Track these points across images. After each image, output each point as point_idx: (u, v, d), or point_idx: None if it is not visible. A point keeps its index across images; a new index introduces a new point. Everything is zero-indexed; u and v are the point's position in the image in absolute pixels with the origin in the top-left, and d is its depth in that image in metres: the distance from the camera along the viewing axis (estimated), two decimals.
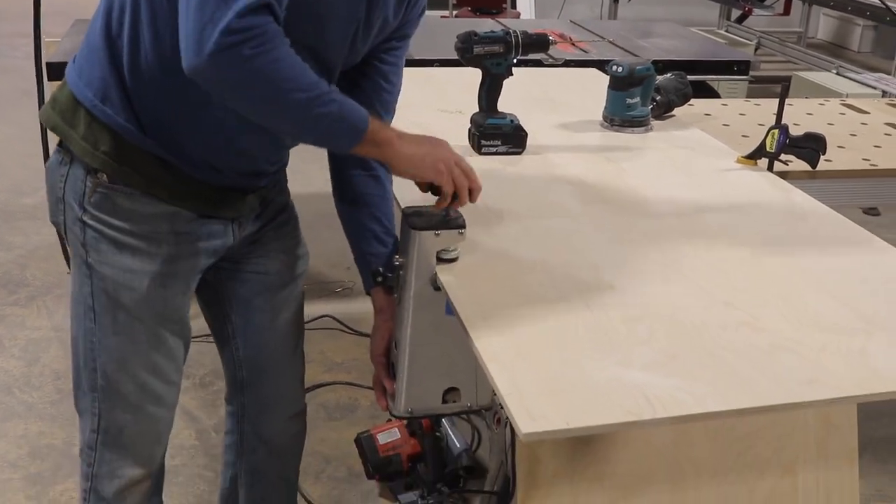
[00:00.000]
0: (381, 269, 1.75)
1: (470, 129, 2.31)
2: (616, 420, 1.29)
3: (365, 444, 2.51)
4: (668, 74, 2.73)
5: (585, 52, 3.91)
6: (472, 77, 2.25)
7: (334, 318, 3.44)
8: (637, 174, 2.24)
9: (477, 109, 2.29)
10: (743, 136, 2.67)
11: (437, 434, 2.48)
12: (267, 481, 2.04)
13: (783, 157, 2.28)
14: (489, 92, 2.25)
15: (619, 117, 2.52)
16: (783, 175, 2.29)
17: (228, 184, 1.67)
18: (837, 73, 5.09)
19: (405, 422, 2.52)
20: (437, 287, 1.62)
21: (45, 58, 3.41)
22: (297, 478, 2.11)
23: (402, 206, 1.72)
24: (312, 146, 1.57)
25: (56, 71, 3.23)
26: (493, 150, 2.25)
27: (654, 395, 1.32)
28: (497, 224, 1.90)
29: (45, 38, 3.53)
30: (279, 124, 1.51)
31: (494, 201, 1.99)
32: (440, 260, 1.64)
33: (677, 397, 1.32)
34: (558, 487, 1.71)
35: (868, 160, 2.60)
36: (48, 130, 1.67)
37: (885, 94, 4.39)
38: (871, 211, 4.36)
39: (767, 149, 2.27)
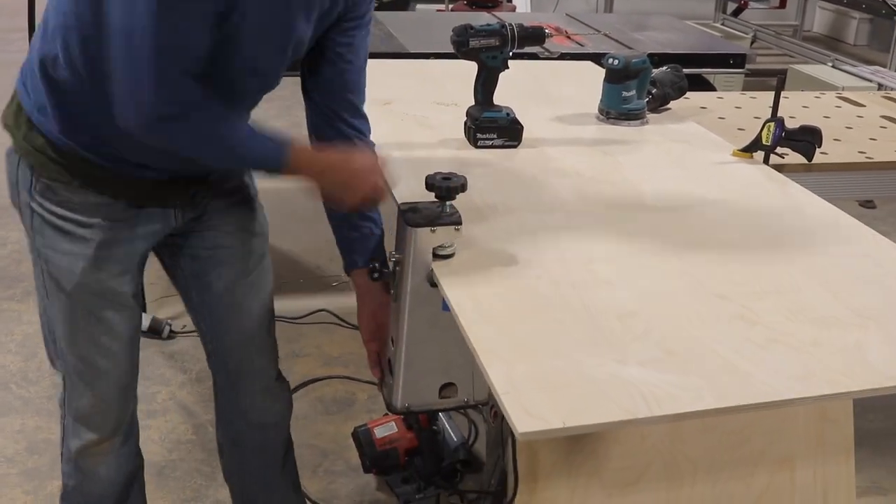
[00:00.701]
0: (376, 264, 1.78)
1: (466, 122, 2.31)
2: (613, 419, 1.28)
3: (362, 437, 2.52)
4: (664, 67, 2.73)
5: (581, 45, 3.91)
6: (467, 70, 2.25)
7: (331, 313, 3.44)
8: (633, 167, 2.24)
9: (473, 103, 2.29)
10: (739, 129, 2.67)
11: (434, 428, 2.48)
12: (245, 451, 2.10)
13: (779, 149, 2.28)
14: (485, 85, 2.25)
15: (615, 110, 2.51)
16: (779, 168, 2.29)
17: (167, 177, 1.74)
18: (833, 66, 5.09)
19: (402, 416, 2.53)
20: (433, 283, 1.62)
21: None
22: (284, 450, 2.14)
23: (399, 203, 1.72)
24: None
25: None
26: (489, 143, 2.26)
27: (650, 393, 1.32)
28: (492, 218, 1.89)
29: None
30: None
31: (489, 195, 1.99)
32: (436, 256, 1.64)
33: (673, 394, 1.32)
34: (555, 482, 1.71)
35: (864, 153, 2.60)
36: None
37: (880, 86, 4.39)
38: (867, 204, 4.37)
39: (763, 142, 2.26)
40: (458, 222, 1.64)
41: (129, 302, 1.80)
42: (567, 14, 4.67)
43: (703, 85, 3.84)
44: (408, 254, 1.64)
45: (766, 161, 2.29)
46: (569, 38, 4.03)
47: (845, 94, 3.36)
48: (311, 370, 3.11)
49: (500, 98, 2.28)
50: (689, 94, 2.79)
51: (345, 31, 1.80)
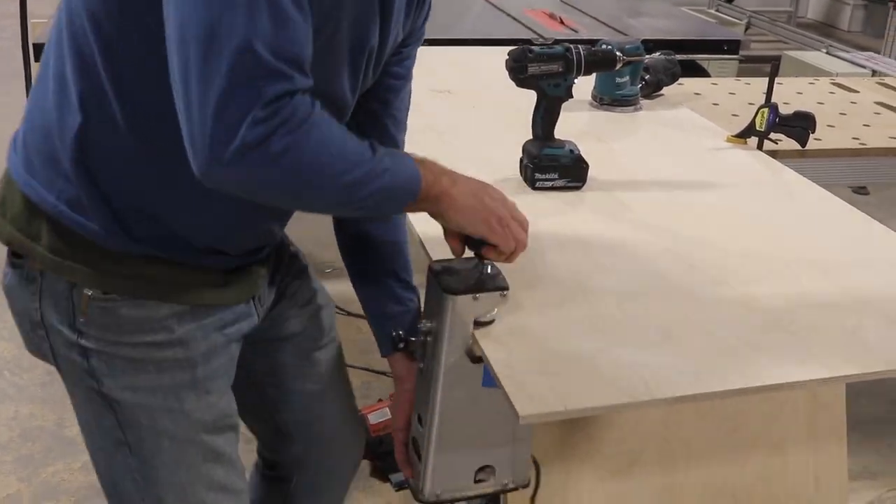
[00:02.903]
0: (401, 332, 1.49)
1: (522, 160, 2.03)
2: (613, 402, 1.28)
3: None
4: (658, 53, 2.72)
5: (575, 31, 3.90)
6: (457, 55, 2.23)
7: None
8: (626, 153, 2.24)
9: (473, 101, 2.18)
10: (733, 115, 2.66)
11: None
12: None
13: (773, 135, 2.28)
14: (545, 117, 1.97)
15: (609, 96, 2.51)
16: (773, 154, 2.29)
17: (236, 264, 1.39)
18: (827, 53, 5.09)
19: None
20: (475, 359, 1.38)
21: (32, 39, 3.39)
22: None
23: (430, 261, 1.45)
24: None
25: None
26: (549, 184, 1.96)
27: (650, 376, 1.32)
28: None
29: (31, 20, 3.50)
30: (321, 209, 1.29)
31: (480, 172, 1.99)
32: (477, 324, 1.38)
33: (673, 378, 1.32)
34: (550, 466, 1.71)
35: (857, 139, 2.60)
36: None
37: (874, 72, 4.39)
38: (861, 190, 4.38)
39: (757, 127, 2.26)
40: (505, 287, 1.38)
41: (238, 421, 1.46)
42: (561, 0, 4.66)
43: (697, 71, 3.84)
44: (443, 325, 1.37)
45: (759, 147, 2.29)
46: (562, 23, 4.02)
47: (839, 80, 3.36)
48: None
49: (487, 82, 2.18)
50: (682, 80, 2.79)
51: (401, 61, 1.50)
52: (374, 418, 2.51)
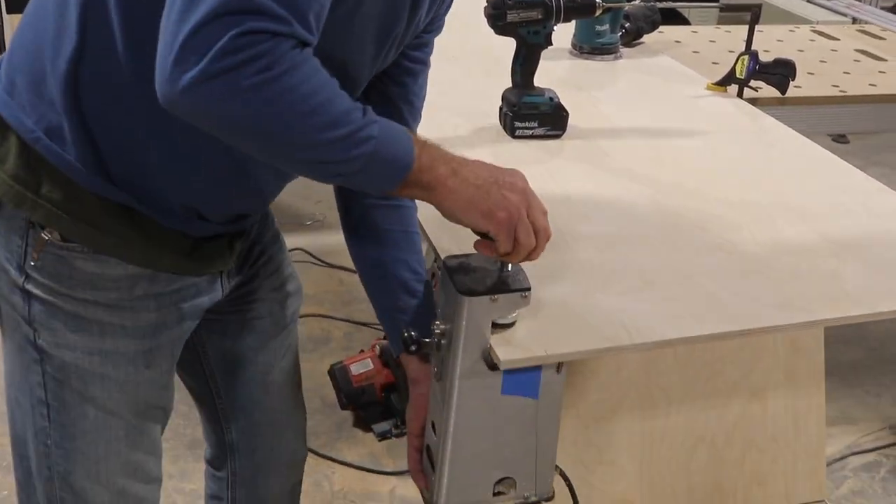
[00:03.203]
0: (412, 333, 1.31)
1: (501, 109, 2.02)
2: (594, 347, 1.29)
3: (338, 375, 2.53)
4: (638, 1, 2.70)
5: None
6: None
7: (306, 252, 3.43)
8: (607, 102, 2.23)
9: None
10: (713, 62, 2.66)
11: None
12: None
13: (753, 83, 2.28)
14: (525, 65, 1.95)
15: (589, 45, 2.50)
16: (753, 101, 2.29)
17: (213, 232, 1.28)
18: (808, 0, 5.06)
19: (378, 352, 2.54)
20: (492, 365, 1.25)
21: None
22: None
23: (443, 257, 1.32)
24: None
25: (16, 3, 3.16)
26: (529, 132, 1.95)
27: (630, 322, 1.32)
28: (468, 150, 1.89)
29: None
30: (290, 165, 1.13)
31: (461, 117, 1.98)
32: (496, 326, 1.25)
33: (653, 323, 1.33)
34: None
35: (837, 86, 2.60)
36: None
37: (855, 20, 4.37)
38: (840, 139, 4.39)
39: (737, 75, 2.26)
40: (527, 287, 1.24)
41: (171, 403, 1.38)
42: None
43: (678, 19, 3.83)
44: (458, 327, 1.23)
45: (740, 94, 2.29)
46: None
47: (819, 27, 3.36)
48: None
49: (465, 30, 2.15)
50: (662, 28, 2.77)
51: (420, 47, 1.41)
52: (355, 369, 2.52)
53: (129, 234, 1.18)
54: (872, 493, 2.32)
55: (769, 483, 2.21)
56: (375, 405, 2.52)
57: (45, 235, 1.16)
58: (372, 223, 1.45)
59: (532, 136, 1.96)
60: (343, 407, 2.54)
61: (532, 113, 1.95)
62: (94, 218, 1.16)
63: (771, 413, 2.17)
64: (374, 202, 1.43)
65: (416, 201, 1.41)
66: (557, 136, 1.98)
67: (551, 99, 1.98)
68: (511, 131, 1.97)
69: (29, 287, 1.18)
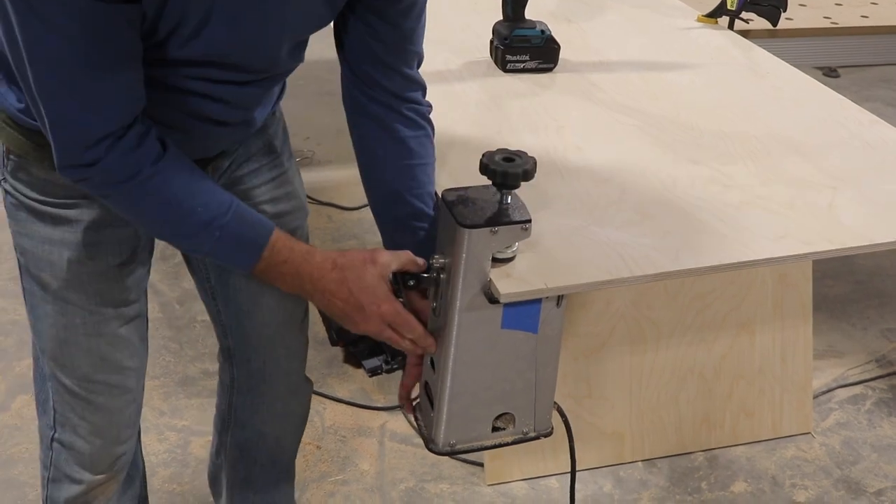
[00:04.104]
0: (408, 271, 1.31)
1: (492, 42, 2.01)
2: (592, 279, 1.29)
3: None
4: None
5: None
6: None
7: None
8: (596, 34, 2.21)
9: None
10: None
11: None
12: (253, 461, 1.75)
13: (744, 14, 2.26)
14: None
15: None
16: (744, 33, 2.28)
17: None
18: None
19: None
20: (492, 298, 1.24)
21: None
22: (293, 461, 1.81)
23: (441, 191, 1.29)
24: None
25: None
26: (521, 66, 1.95)
27: (628, 255, 1.32)
28: (459, 84, 1.87)
29: None
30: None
31: (452, 53, 1.96)
32: (495, 261, 1.25)
33: (652, 256, 1.33)
34: None
35: (829, 18, 2.59)
36: None
37: None
38: (831, 73, 4.37)
39: (728, 7, 2.24)
40: (527, 219, 1.22)
41: (134, 301, 1.43)
42: None
43: None
44: (458, 260, 1.22)
45: (730, 26, 2.27)
46: None
47: None
48: None
49: None
50: None
51: None
52: None
53: None
54: (858, 424, 2.35)
55: (756, 415, 2.24)
56: (365, 341, 2.52)
57: (10, 147, 1.33)
58: (394, 193, 1.38)
59: (524, 70, 1.95)
60: (333, 343, 2.54)
61: (523, 46, 1.95)
62: (38, 142, 1.26)
63: (759, 346, 2.19)
64: (402, 128, 1.36)
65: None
66: (549, 70, 1.97)
67: (543, 32, 1.97)
68: (502, 65, 1.96)
69: (5, 185, 1.36)
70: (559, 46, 1.98)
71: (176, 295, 2.78)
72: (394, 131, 1.34)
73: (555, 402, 1.37)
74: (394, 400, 2.37)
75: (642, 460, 2.19)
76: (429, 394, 1.37)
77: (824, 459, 2.24)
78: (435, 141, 1.37)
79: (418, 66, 1.35)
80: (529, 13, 1.98)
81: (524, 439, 1.38)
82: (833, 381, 2.49)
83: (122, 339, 1.42)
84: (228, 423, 1.72)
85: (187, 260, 1.58)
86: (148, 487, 1.77)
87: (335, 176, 3.33)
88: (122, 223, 1.35)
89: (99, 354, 1.41)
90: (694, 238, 1.38)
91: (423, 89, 1.36)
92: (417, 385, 1.42)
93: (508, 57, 1.95)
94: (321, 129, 3.64)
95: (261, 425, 1.70)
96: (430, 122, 1.37)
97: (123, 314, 1.42)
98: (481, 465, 2.14)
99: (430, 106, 1.37)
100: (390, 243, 1.40)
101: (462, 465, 2.17)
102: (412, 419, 1.43)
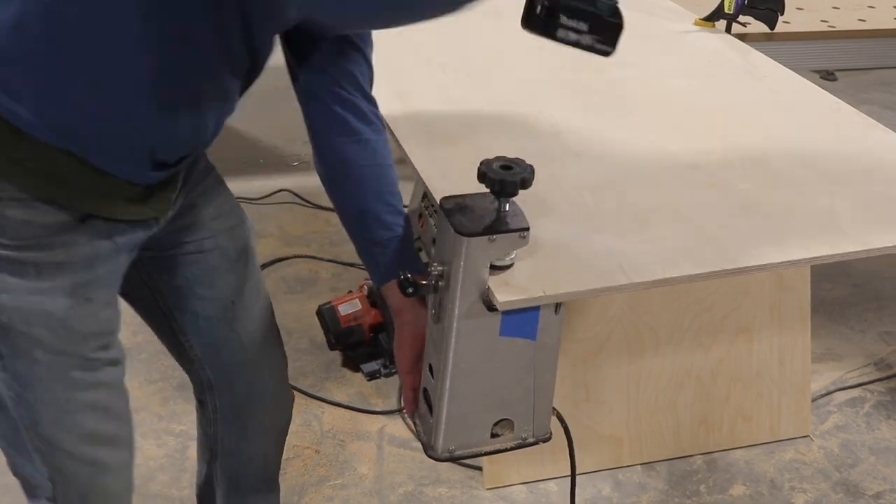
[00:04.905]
0: (409, 275, 1.28)
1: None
2: (591, 287, 1.28)
3: (326, 315, 2.52)
4: None
5: None
6: None
7: (292, 192, 3.41)
8: None
9: None
10: None
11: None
12: (248, 486, 1.73)
13: (741, 18, 2.26)
14: None
15: None
16: (741, 37, 2.28)
17: (156, 179, 1.25)
18: None
19: (366, 293, 2.53)
20: (490, 306, 1.24)
21: None
22: (279, 469, 1.78)
23: (439, 198, 1.29)
24: None
25: None
26: (574, 37, 1.24)
27: (627, 262, 1.32)
28: (453, 84, 1.87)
29: None
30: None
31: (450, 57, 1.96)
32: (493, 268, 1.25)
33: (650, 262, 1.32)
34: None
35: (826, 21, 2.59)
36: None
37: None
38: (829, 76, 4.37)
39: (725, 10, 2.24)
40: (525, 227, 1.22)
41: (119, 342, 1.33)
42: None
43: None
44: (456, 269, 1.23)
45: (728, 30, 2.27)
46: None
47: None
48: (273, 250, 3.10)
49: None
50: None
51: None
52: (343, 309, 2.51)
53: (65, 175, 1.15)
54: (856, 427, 2.35)
55: (754, 418, 2.24)
56: (364, 345, 2.52)
57: None
58: (342, 159, 1.40)
59: (577, 44, 1.25)
60: (332, 347, 2.54)
61: (584, 11, 1.25)
62: (26, 158, 1.12)
63: (757, 350, 2.19)
64: (344, 139, 1.38)
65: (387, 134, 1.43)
66: (606, 54, 1.28)
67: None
68: (551, 31, 1.23)
69: None
70: (623, 26, 1.27)
71: None
72: (360, 136, 1.37)
73: (553, 408, 1.37)
74: (392, 404, 2.37)
75: (641, 464, 2.19)
76: (428, 400, 1.37)
77: (823, 462, 2.24)
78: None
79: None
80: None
81: (523, 445, 1.38)
82: (831, 384, 2.49)
83: (117, 380, 1.34)
84: (217, 453, 1.67)
85: (142, 310, 1.50)
86: (146, 492, 1.76)
87: None
88: (113, 253, 1.25)
89: (99, 406, 1.31)
90: (692, 244, 1.38)
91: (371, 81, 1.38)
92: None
93: (563, 19, 1.24)
94: None
95: (248, 448, 1.67)
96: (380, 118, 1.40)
97: (112, 354, 1.31)
98: (480, 468, 2.15)
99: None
100: (367, 254, 1.42)
101: (461, 469, 2.17)
102: (411, 423, 1.43)
